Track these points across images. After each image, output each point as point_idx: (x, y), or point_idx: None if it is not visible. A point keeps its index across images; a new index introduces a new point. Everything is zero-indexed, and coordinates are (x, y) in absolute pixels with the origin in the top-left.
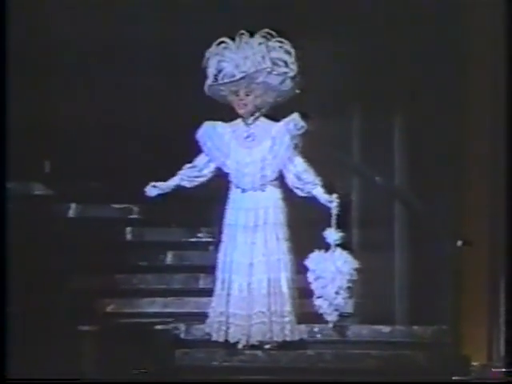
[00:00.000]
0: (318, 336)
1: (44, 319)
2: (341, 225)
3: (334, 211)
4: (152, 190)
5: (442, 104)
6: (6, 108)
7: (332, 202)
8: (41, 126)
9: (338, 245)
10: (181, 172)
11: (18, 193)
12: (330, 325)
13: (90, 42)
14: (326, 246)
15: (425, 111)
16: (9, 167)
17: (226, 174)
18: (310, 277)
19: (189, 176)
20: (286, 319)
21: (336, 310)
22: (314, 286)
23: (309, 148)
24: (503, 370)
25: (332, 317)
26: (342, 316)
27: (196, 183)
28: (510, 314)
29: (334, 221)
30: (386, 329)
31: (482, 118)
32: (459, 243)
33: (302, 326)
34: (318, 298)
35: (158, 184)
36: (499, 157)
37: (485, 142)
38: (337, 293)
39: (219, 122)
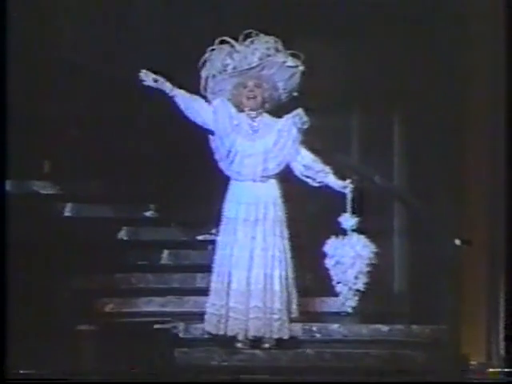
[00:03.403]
0: (317, 335)
1: (43, 319)
2: (356, 210)
3: (349, 196)
4: (148, 76)
5: (442, 104)
6: (6, 107)
7: (346, 187)
8: (41, 126)
9: (353, 230)
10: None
11: (18, 192)
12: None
13: (90, 41)
14: (342, 232)
15: (425, 111)
16: (9, 166)
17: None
18: (329, 263)
19: (185, 96)
20: (275, 316)
21: (356, 294)
22: (333, 272)
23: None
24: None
25: (352, 301)
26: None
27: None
28: (509, 313)
29: (349, 206)
30: (384, 328)
31: (482, 118)
32: (457, 242)
33: (294, 325)
34: (338, 283)
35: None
36: (499, 157)
37: (485, 142)
38: (356, 277)
39: (232, 106)
